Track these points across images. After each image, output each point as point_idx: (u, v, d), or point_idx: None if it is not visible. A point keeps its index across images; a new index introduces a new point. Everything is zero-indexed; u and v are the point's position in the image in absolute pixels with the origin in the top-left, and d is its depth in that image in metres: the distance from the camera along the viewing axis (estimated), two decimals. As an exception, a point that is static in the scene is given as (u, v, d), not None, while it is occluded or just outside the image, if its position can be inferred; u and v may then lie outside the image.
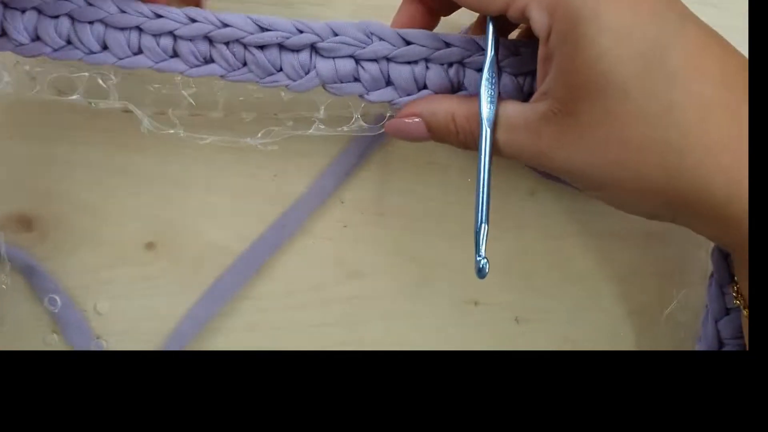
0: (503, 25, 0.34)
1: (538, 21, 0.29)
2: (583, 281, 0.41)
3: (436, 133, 0.34)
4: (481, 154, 0.32)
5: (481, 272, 0.32)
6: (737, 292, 0.34)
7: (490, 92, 0.33)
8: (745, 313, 0.33)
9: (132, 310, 0.41)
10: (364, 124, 0.37)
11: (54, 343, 0.41)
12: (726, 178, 0.28)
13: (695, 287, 0.41)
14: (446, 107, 0.33)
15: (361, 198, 0.41)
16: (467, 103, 0.33)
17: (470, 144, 0.33)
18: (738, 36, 0.38)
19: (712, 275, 0.37)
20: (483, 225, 0.32)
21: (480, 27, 0.36)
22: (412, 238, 0.41)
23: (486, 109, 0.32)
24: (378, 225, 0.41)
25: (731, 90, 0.29)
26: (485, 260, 0.32)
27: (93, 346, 0.41)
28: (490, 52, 0.33)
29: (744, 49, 0.37)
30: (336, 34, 0.34)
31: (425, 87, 0.35)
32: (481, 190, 0.32)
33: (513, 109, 0.32)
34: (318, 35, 0.34)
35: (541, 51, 0.30)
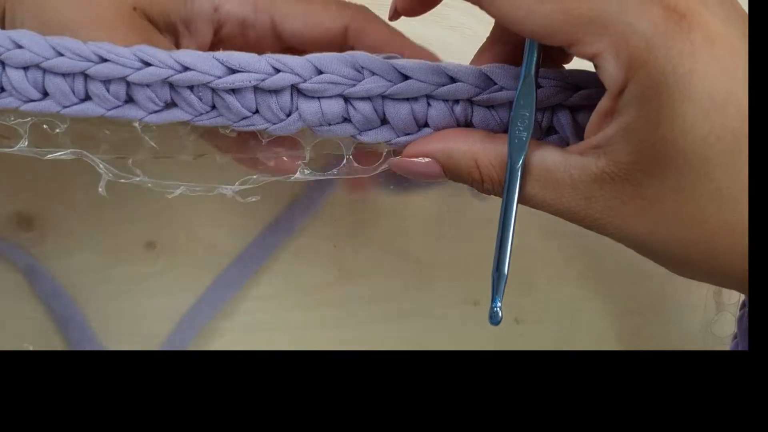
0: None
1: (612, 74, 0.24)
2: (582, 281, 0.41)
3: (455, 178, 0.29)
4: (509, 205, 0.28)
5: (493, 318, 0.28)
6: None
7: (520, 131, 0.27)
8: None
9: (132, 310, 0.41)
10: (356, 164, 0.31)
11: (55, 344, 0.41)
12: None
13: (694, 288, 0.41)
14: (466, 149, 0.28)
15: (362, 198, 0.41)
16: (493, 144, 0.28)
17: (499, 193, 0.29)
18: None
19: (744, 305, 0.35)
20: (505, 275, 0.29)
21: (493, 50, 0.30)
22: (412, 238, 0.41)
23: (516, 154, 0.27)
24: (377, 225, 0.41)
25: None
26: (500, 309, 0.29)
27: (94, 347, 0.41)
28: (527, 79, 0.27)
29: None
30: (320, 72, 0.28)
31: (426, 125, 0.30)
32: (504, 238, 0.29)
33: (552, 158, 0.27)
34: (298, 75, 0.28)
35: (604, 103, 0.26)
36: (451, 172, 0.28)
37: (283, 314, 0.41)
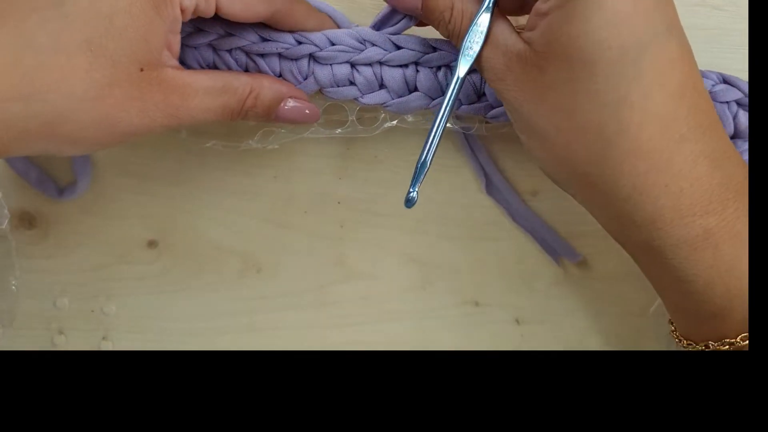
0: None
1: None
2: (582, 281, 0.41)
3: (428, 13, 0.34)
4: (451, 86, 0.33)
5: (409, 202, 0.33)
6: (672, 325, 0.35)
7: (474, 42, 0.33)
8: (684, 344, 0.34)
9: (133, 308, 0.41)
10: (359, 126, 0.38)
11: (61, 343, 0.41)
12: (633, 182, 0.30)
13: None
14: None
15: (360, 198, 0.41)
16: (470, 2, 0.33)
17: (453, 37, 0.34)
18: (738, 37, 0.38)
19: None
20: (428, 164, 0.33)
21: None
22: (412, 238, 0.41)
23: (484, 20, 0.32)
24: (378, 225, 0.41)
25: (677, 108, 0.30)
26: (416, 194, 0.33)
27: (101, 346, 0.41)
28: None
29: (744, 49, 0.37)
30: (333, 44, 0.36)
31: (416, 89, 0.37)
32: (436, 125, 0.33)
33: (503, 30, 0.32)
34: (316, 45, 0.35)
35: (538, 5, 0.31)
36: (427, 9, 0.34)
37: (284, 314, 0.41)
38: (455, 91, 0.33)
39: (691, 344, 0.33)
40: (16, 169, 0.39)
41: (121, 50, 0.30)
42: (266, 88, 0.35)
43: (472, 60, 0.33)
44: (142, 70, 0.31)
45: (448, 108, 0.33)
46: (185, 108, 0.32)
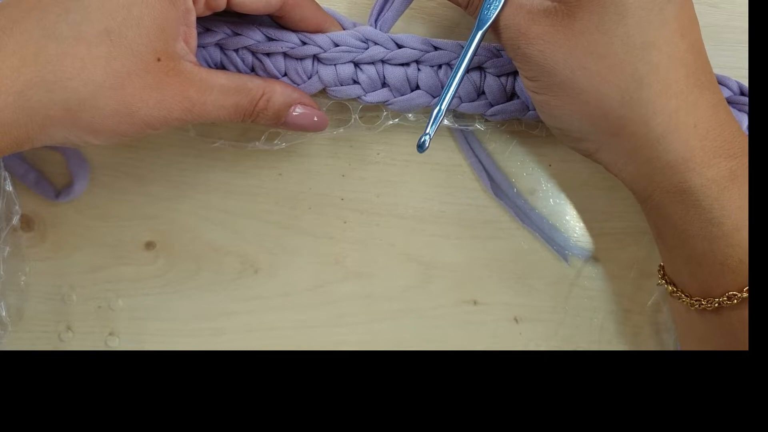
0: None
1: None
2: (582, 281, 0.41)
3: None
4: (474, 39, 0.33)
5: (421, 147, 0.34)
6: (661, 271, 0.36)
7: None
8: (669, 288, 0.35)
9: (131, 309, 0.41)
10: (362, 124, 0.39)
11: (68, 339, 0.41)
12: (666, 121, 0.31)
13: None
14: None
15: (360, 198, 0.41)
16: None
17: (471, 8, 0.34)
18: (738, 35, 0.38)
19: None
20: (442, 112, 0.34)
21: None
22: (411, 237, 0.41)
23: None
24: (378, 225, 0.41)
25: (697, 59, 0.32)
26: (428, 139, 0.34)
27: (107, 343, 0.41)
28: None
29: (740, 47, 0.37)
30: (336, 45, 0.36)
31: (418, 87, 0.37)
32: (456, 78, 0.34)
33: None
34: (320, 47, 0.36)
35: None
36: None
37: (283, 314, 0.41)
38: (476, 42, 0.33)
39: (699, 301, 0.33)
40: (15, 171, 0.39)
41: (139, 39, 0.31)
42: (278, 92, 0.35)
43: (496, 12, 0.33)
44: (159, 59, 0.32)
45: (466, 60, 0.33)
46: (201, 103, 0.33)
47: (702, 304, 0.33)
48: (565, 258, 0.41)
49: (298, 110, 0.36)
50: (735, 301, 0.32)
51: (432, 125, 0.34)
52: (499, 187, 0.40)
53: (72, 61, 0.30)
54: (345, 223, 0.41)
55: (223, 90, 0.33)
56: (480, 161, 0.40)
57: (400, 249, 0.41)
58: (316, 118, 0.36)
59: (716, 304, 0.32)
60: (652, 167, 0.32)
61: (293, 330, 0.42)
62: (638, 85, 0.31)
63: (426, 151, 0.34)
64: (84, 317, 0.41)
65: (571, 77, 0.32)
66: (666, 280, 0.35)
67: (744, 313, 0.32)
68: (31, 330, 0.41)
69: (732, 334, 0.33)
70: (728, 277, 0.32)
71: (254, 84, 0.34)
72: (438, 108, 0.34)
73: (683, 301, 0.34)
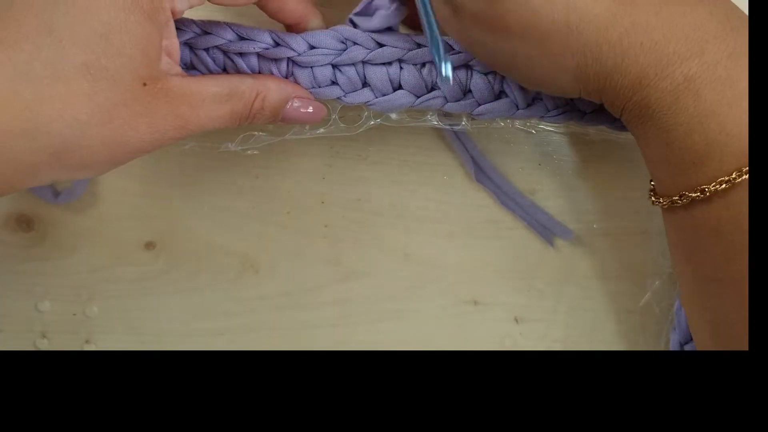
0: None
1: None
2: (582, 281, 0.41)
3: None
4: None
5: (448, 80, 0.31)
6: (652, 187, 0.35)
7: None
8: (661, 200, 0.34)
9: (131, 310, 0.41)
10: (342, 124, 0.37)
11: (44, 345, 0.41)
12: (613, 52, 0.31)
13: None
14: None
15: (360, 198, 0.41)
16: None
17: None
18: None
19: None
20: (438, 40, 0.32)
21: None
22: (411, 238, 0.41)
23: None
24: (376, 225, 0.41)
25: None
26: (449, 69, 0.31)
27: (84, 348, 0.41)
28: None
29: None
30: (312, 47, 0.34)
31: (400, 87, 0.36)
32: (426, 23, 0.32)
33: None
34: (294, 50, 0.34)
35: None
36: None
37: (281, 314, 0.41)
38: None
39: (665, 199, 0.33)
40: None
41: (122, 69, 0.29)
42: (272, 90, 0.34)
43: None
44: (145, 84, 0.30)
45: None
46: (194, 117, 0.31)
47: (665, 202, 0.33)
48: (549, 241, 0.40)
49: (295, 104, 0.35)
50: (690, 198, 0.32)
51: (444, 63, 0.31)
52: (484, 172, 0.40)
53: (52, 103, 0.28)
54: (345, 223, 0.41)
55: (215, 99, 0.32)
56: (467, 151, 0.40)
57: (401, 249, 0.41)
58: (312, 109, 0.35)
59: (678, 199, 0.32)
60: (616, 95, 0.32)
61: (293, 330, 0.42)
62: (575, 32, 0.30)
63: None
64: (81, 318, 0.41)
65: (519, 39, 0.31)
66: (654, 198, 0.35)
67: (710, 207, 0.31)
68: (15, 329, 0.41)
69: (700, 228, 0.32)
70: (682, 178, 0.32)
71: (247, 85, 0.33)
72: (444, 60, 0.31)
73: (653, 202, 0.34)
